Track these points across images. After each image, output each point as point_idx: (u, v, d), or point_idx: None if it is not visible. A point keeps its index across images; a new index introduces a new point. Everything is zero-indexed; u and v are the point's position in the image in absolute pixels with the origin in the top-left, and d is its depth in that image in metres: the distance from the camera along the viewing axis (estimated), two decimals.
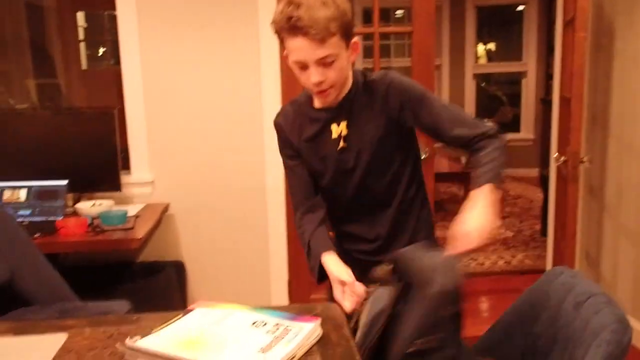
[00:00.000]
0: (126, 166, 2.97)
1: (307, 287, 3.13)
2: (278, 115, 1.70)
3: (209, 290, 3.05)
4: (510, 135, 7.49)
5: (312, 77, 1.41)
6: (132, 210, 2.69)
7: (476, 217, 1.30)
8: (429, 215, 1.67)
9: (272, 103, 2.90)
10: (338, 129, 1.55)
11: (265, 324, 1.22)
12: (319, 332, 1.22)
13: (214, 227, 3.04)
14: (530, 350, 1.34)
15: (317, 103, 1.58)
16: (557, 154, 3.04)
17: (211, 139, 2.97)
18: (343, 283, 1.43)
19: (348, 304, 1.40)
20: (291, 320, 1.23)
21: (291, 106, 1.68)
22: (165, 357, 1.09)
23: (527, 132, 7.71)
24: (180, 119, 2.95)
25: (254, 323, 1.23)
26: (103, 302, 2.28)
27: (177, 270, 2.98)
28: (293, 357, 1.12)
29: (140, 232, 2.37)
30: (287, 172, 1.72)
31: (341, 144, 1.56)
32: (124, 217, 2.47)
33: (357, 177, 1.58)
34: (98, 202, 2.66)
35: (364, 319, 1.37)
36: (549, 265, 3.54)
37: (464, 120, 1.51)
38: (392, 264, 1.37)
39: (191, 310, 1.31)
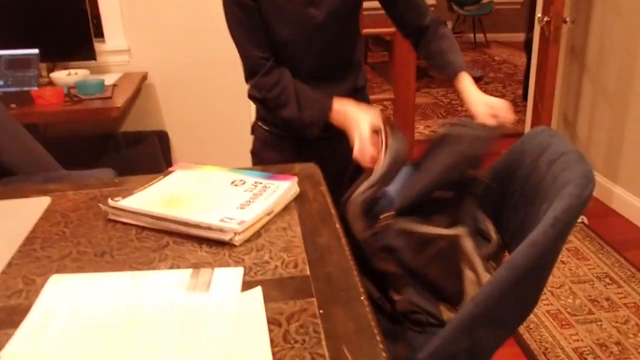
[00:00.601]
0: (101, 34, 2.88)
1: None
2: None
3: (193, 157, 3.08)
4: None
5: None
6: (109, 79, 2.66)
7: (485, 96, 1.36)
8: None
9: None
10: None
11: (244, 183, 1.26)
12: (296, 189, 1.27)
13: (195, 94, 3.02)
14: (503, 206, 1.37)
15: None
16: (540, 14, 2.98)
17: (186, 5, 2.86)
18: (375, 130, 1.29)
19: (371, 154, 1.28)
20: (269, 179, 1.27)
21: None
22: (147, 214, 1.14)
23: None
24: None
25: (233, 182, 1.27)
26: (87, 171, 2.32)
27: (160, 139, 3.01)
28: (270, 212, 1.17)
29: (119, 101, 2.36)
30: (238, 20, 1.50)
31: None
32: (101, 86, 2.44)
33: (327, 36, 1.48)
34: (73, 71, 2.61)
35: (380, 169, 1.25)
36: (527, 128, 3.60)
37: (421, 3, 1.51)
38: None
39: (172, 172, 1.34)
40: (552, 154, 1.22)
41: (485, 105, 1.33)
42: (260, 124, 1.72)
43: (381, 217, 1.17)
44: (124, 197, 1.21)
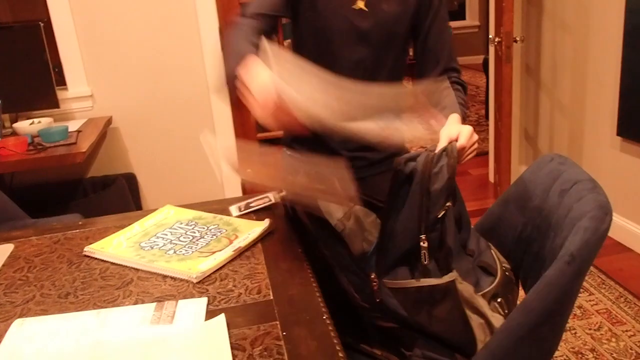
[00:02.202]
0: (63, 82, 2.89)
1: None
2: None
3: (162, 198, 3.09)
4: (456, 24, 7.47)
5: None
6: (73, 125, 2.66)
7: (460, 125, 1.24)
8: None
9: (207, 4, 2.83)
10: None
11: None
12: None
13: (161, 134, 3.04)
14: (517, 240, 1.29)
15: None
16: (492, 35, 3.08)
17: (147, 47, 2.90)
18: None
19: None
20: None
21: None
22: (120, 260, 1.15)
23: (472, 19, 7.70)
24: (113, 29, 2.85)
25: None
26: (54, 218, 2.31)
27: (129, 181, 3.00)
28: (237, 249, 1.19)
29: (84, 146, 2.36)
30: None
31: (360, 4, 1.36)
32: (64, 132, 2.44)
33: (368, 51, 1.39)
34: (37, 120, 2.61)
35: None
36: (490, 145, 3.69)
37: (454, 58, 1.47)
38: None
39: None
40: (564, 182, 1.14)
41: (447, 130, 1.21)
42: (287, 151, 1.56)
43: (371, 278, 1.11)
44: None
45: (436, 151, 1.14)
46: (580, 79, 2.98)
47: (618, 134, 2.68)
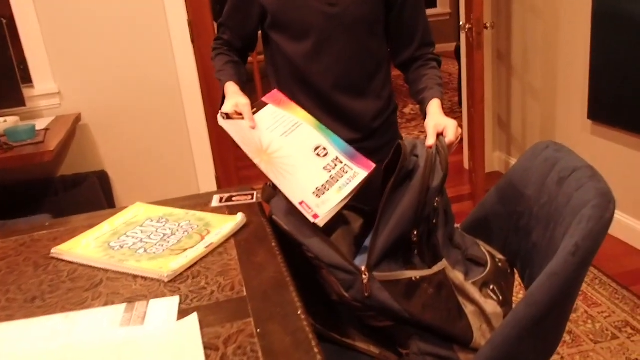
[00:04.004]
0: (29, 79, 2.82)
1: (236, 181, 3.18)
2: None
3: (135, 194, 3.04)
4: (427, 11, 7.47)
5: None
6: (41, 123, 2.60)
7: (443, 117, 1.29)
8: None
9: None
10: None
11: (326, 154, 1.20)
12: (242, 220, 1.26)
13: (132, 131, 2.99)
14: (513, 230, 1.27)
15: None
16: (463, 22, 3.08)
17: (115, 41, 2.84)
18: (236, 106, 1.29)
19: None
20: (350, 159, 1.21)
21: None
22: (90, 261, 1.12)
23: (443, 6, 7.72)
24: (79, 24, 2.78)
25: (316, 149, 1.21)
26: (22, 219, 2.26)
27: (101, 179, 2.95)
28: (210, 245, 1.16)
29: (52, 144, 2.30)
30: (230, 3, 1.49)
31: None
32: (32, 131, 2.38)
33: (344, 35, 1.40)
34: (2, 119, 2.55)
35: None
36: (464, 132, 3.70)
37: (429, 32, 1.49)
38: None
39: (265, 105, 1.29)
40: (562, 170, 1.12)
41: (433, 122, 1.26)
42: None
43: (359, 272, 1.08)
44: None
45: (427, 144, 1.17)
46: (551, 64, 3.00)
47: (589, 118, 2.71)
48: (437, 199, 1.10)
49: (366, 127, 1.48)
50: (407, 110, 5.40)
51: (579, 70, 2.77)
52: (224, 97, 1.39)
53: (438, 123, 1.24)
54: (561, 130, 3.01)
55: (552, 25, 2.93)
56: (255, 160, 1.17)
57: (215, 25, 4.40)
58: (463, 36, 3.45)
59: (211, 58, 1.54)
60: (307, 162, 1.17)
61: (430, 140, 1.19)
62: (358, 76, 1.45)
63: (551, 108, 3.07)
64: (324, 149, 1.21)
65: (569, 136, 2.94)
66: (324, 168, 1.17)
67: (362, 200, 1.23)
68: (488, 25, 2.75)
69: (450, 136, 1.20)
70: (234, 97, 1.32)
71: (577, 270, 0.92)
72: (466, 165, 3.74)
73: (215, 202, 1.41)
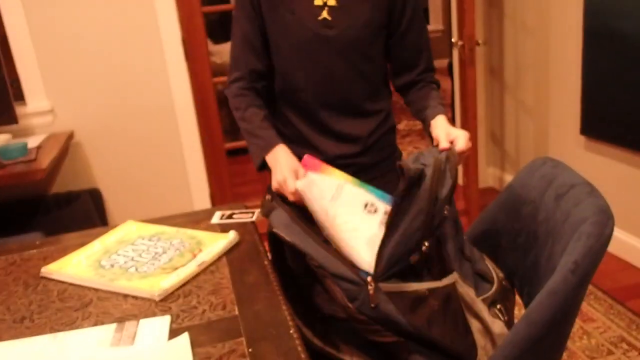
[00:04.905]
0: (21, 97, 2.81)
1: (230, 198, 3.16)
2: None
3: (129, 212, 3.02)
4: None
5: None
6: (33, 141, 2.59)
7: (452, 128, 1.27)
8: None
9: (168, 14, 2.79)
10: None
11: (376, 210, 1.15)
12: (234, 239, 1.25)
13: (125, 149, 2.98)
14: (512, 247, 1.25)
15: None
16: (455, 38, 3.10)
17: (109, 60, 2.84)
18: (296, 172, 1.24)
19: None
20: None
21: None
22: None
23: (436, 23, 7.77)
24: (73, 42, 2.78)
25: (365, 206, 1.16)
26: (13, 238, 2.24)
27: (93, 197, 2.93)
28: (202, 263, 1.15)
29: (44, 162, 2.29)
30: (234, 24, 1.45)
31: (324, 14, 1.35)
32: (23, 149, 2.37)
33: (337, 57, 1.38)
34: None
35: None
36: None
37: (431, 58, 1.47)
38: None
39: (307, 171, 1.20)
40: (559, 187, 1.10)
41: (444, 131, 1.24)
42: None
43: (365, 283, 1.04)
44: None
45: (440, 147, 1.16)
46: (543, 79, 3.02)
47: (581, 133, 2.72)
48: (447, 207, 1.08)
49: (360, 143, 1.47)
50: (401, 126, 5.41)
51: (571, 86, 2.78)
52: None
53: (449, 132, 1.22)
54: (554, 145, 3.02)
55: (544, 42, 2.95)
56: (324, 233, 1.12)
57: (210, 43, 4.38)
58: (455, 53, 3.48)
59: (235, 107, 1.43)
60: (365, 223, 1.13)
61: (444, 144, 1.18)
62: (348, 96, 1.43)
63: (544, 124, 3.08)
64: (372, 204, 1.17)
65: (562, 151, 2.95)
66: (380, 223, 1.13)
67: None
68: (480, 41, 2.77)
69: (461, 145, 1.18)
70: (291, 163, 1.25)
71: (576, 289, 0.90)
72: (460, 181, 3.74)
73: (216, 218, 1.40)
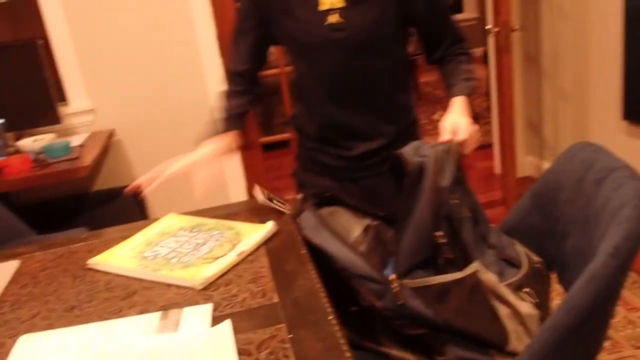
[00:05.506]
0: (63, 97, 2.90)
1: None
2: None
3: (169, 208, 3.07)
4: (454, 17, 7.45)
5: None
6: (75, 140, 2.67)
7: (459, 116, 1.30)
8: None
9: (203, 11, 2.83)
10: None
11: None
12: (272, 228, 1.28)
13: (164, 145, 3.04)
14: (549, 234, 1.23)
15: None
16: (490, 25, 3.06)
17: (146, 59, 2.90)
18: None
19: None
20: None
21: None
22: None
23: (470, 11, 7.66)
24: (112, 43, 2.85)
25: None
26: (59, 233, 2.31)
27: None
28: (241, 253, 1.18)
29: (87, 160, 2.36)
30: (233, 37, 1.54)
31: (330, 19, 1.35)
32: (67, 147, 2.45)
33: (349, 59, 1.40)
34: (40, 137, 2.62)
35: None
36: (495, 137, 3.66)
37: (458, 30, 1.49)
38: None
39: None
40: (599, 171, 1.08)
41: (449, 120, 1.27)
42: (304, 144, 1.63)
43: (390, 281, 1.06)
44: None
45: (439, 144, 1.17)
46: (582, 65, 2.95)
47: (624, 118, 2.65)
48: (454, 196, 1.10)
49: (384, 138, 1.47)
50: (436, 116, 5.37)
51: (611, 71, 2.72)
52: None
53: (451, 122, 1.26)
54: (594, 132, 2.96)
55: (582, 26, 2.89)
56: None
57: None
58: (490, 40, 3.43)
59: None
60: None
61: (445, 136, 1.22)
62: (365, 94, 1.44)
63: (583, 110, 3.02)
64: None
65: (602, 138, 2.88)
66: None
67: (372, 199, 1.26)
68: (516, 28, 2.73)
69: (462, 135, 1.22)
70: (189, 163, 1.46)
71: (617, 273, 0.88)
72: (497, 170, 3.69)
73: (260, 197, 1.43)
